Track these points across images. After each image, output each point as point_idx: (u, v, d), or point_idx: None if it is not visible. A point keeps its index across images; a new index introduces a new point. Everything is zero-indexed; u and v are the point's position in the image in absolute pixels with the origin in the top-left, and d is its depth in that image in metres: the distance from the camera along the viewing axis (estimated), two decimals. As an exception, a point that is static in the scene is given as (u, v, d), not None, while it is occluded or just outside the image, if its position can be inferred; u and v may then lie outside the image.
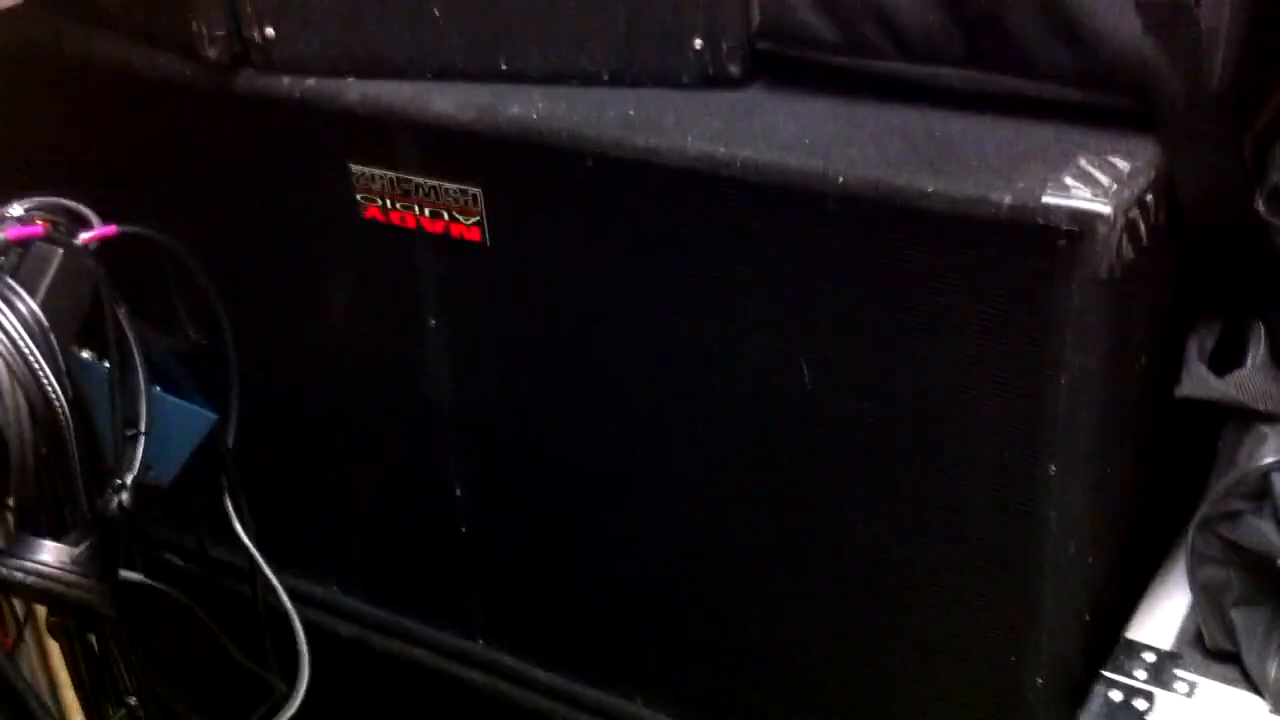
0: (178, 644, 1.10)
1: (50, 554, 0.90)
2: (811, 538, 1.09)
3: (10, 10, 1.27)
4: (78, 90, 1.28)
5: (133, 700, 1.03)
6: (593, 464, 1.19)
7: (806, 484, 1.07)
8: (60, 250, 0.95)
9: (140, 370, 0.98)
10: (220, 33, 1.13)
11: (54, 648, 1.21)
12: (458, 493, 1.28)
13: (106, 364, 0.99)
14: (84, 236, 0.99)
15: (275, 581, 1.14)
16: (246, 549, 1.15)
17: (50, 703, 1.14)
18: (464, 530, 1.30)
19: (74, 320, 0.96)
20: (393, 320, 1.21)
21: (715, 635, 1.21)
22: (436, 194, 1.10)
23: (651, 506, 1.17)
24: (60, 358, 0.91)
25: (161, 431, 1.02)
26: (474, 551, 1.31)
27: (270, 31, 1.12)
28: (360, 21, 1.10)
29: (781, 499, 1.10)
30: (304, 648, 1.11)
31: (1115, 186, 0.88)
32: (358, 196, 1.14)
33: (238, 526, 1.12)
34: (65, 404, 0.91)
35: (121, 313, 0.98)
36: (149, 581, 0.96)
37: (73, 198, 1.06)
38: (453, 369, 1.21)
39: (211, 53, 1.14)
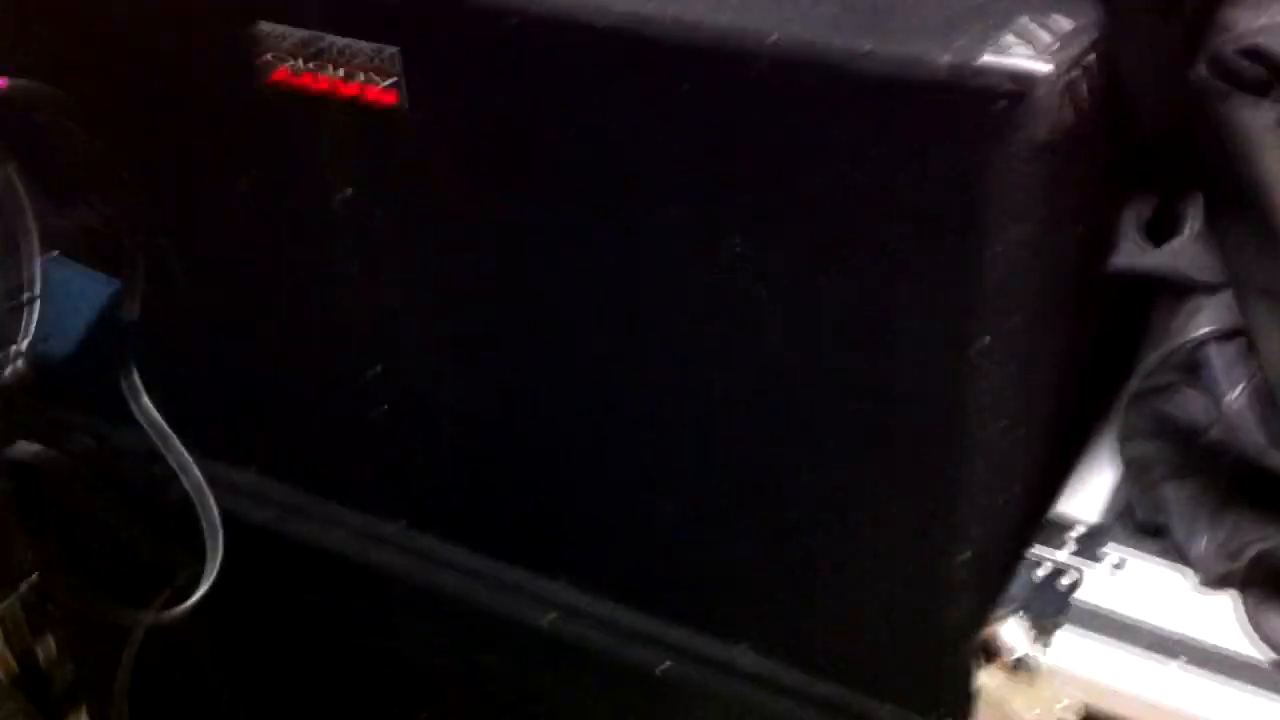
0: (82, 524, 1.06)
1: (-62, 424, 0.86)
2: (740, 420, 1.07)
3: None
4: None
5: (34, 576, 0.99)
6: (511, 341, 1.15)
7: (726, 370, 1.05)
8: (-58, 101, 0.89)
9: (32, 233, 0.93)
10: (116, -122, 1.07)
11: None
12: (376, 369, 1.24)
13: (-4, 228, 0.94)
14: (-31, 89, 0.93)
15: (185, 455, 1.10)
16: (155, 425, 1.10)
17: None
18: (385, 408, 1.26)
19: (-43, 178, 0.91)
20: (303, 190, 1.16)
21: (637, 520, 1.18)
22: (350, 54, 1.05)
23: (572, 385, 1.14)
24: (-59, 216, 0.87)
25: (58, 301, 0.97)
26: (393, 431, 1.27)
27: (170, -124, 1.06)
28: None
29: (700, 386, 1.07)
30: (216, 525, 1.08)
31: (1056, 45, 0.85)
32: (266, 55, 1.09)
33: (141, 399, 1.08)
34: (-51, 266, 0.86)
35: (10, 169, 0.92)
36: (47, 452, 0.92)
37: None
38: (365, 244, 1.16)
39: (107, -101, 1.08)
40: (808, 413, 1.04)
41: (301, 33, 1.06)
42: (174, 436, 1.13)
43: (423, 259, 1.16)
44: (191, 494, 1.12)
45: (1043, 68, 0.83)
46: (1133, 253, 0.98)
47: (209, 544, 1.10)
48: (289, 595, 1.48)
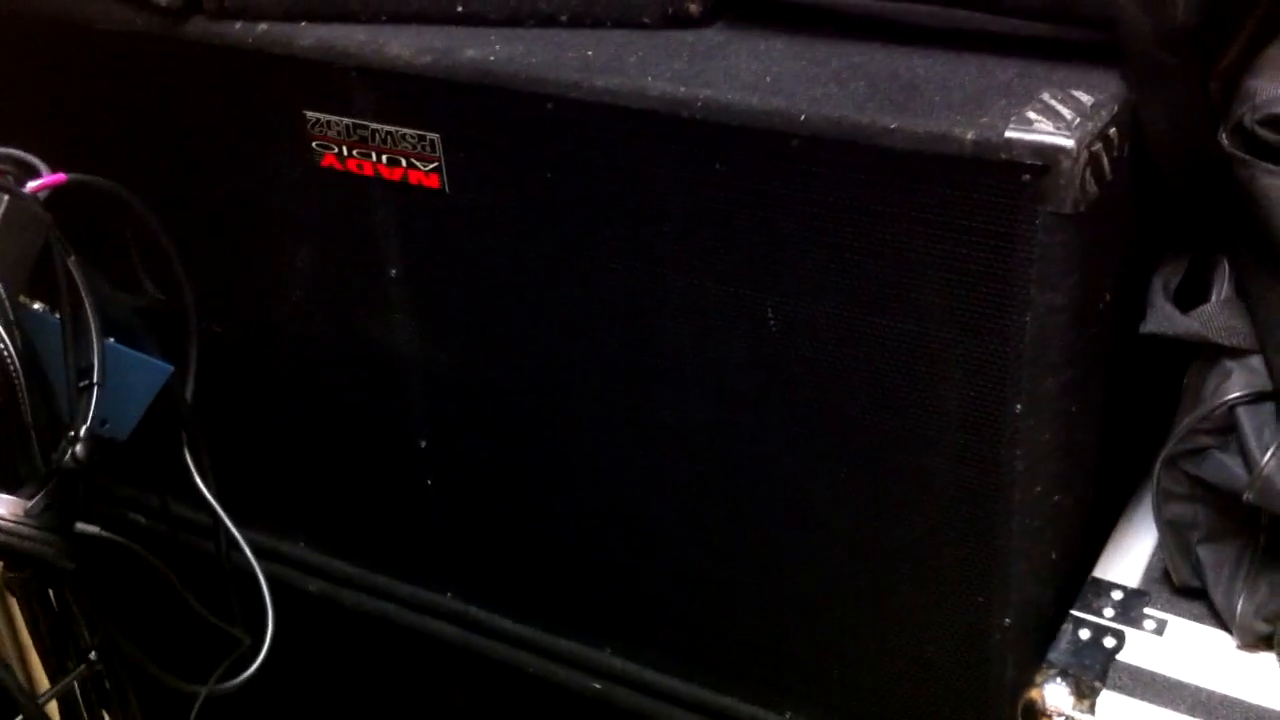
0: (141, 600, 1.09)
1: (3, 507, 0.88)
2: (776, 483, 1.09)
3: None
4: (29, 41, 1.26)
5: (93, 655, 1.02)
6: (558, 414, 1.18)
7: (771, 429, 1.07)
8: (7, 197, 0.93)
9: (93, 321, 0.96)
10: (171, -22, 1.11)
11: (16, 610, 1.20)
12: (422, 445, 1.27)
13: (58, 316, 0.97)
14: (32, 185, 0.97)
15: (237, 534, 1.12)
16: (208, 503, 1.13)
17: (15, 663, 1.13)
18: (430, 482, 1.29)
19: (22, 270, 0.94)
20: (352, 271, 1.20)
21: (680, 584, 1.20)
22: (393, 140, 1.09)
23: (619, 454, 1.17)
24: (9, 308, 0.90)
25: (117, 384, 1.00)
26: (440, 504, 1.30)
27: (221, -25, 1.10)
28: (313, -35, 1.09)
29: (747, 445, 1.09)
30: (269, 600, 1.10)
31: (1078, 120, 0.87)
32: (313, 144, 1.13)
33: (197, 478, 1.11)
34: (15, 355, 0.89)
35: (73, 262, 0.96)
36: (106, 534, 0.94)
37: (26, 150, 1.04)
38: (415, 319, 1.20)
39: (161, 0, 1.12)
40: (848, 477, 1.05)
41: (347, 120, 1.10)
42: (227, 513, 1.16)
43: (469, 334, 1.19)
44: (246, 567, 1.14)
45: (1066, 142, 0.85)
46: (1163, 318, 0.99)
47: (263, 616, 1.13)
48: (342, 664, 1.50)
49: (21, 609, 1.02)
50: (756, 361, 1.04)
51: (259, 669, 1.10)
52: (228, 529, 1.14)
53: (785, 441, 1.07)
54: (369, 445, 1.31)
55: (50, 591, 1.00)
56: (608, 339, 1.11)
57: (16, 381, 0.89)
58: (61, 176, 0.99)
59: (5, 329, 0.88)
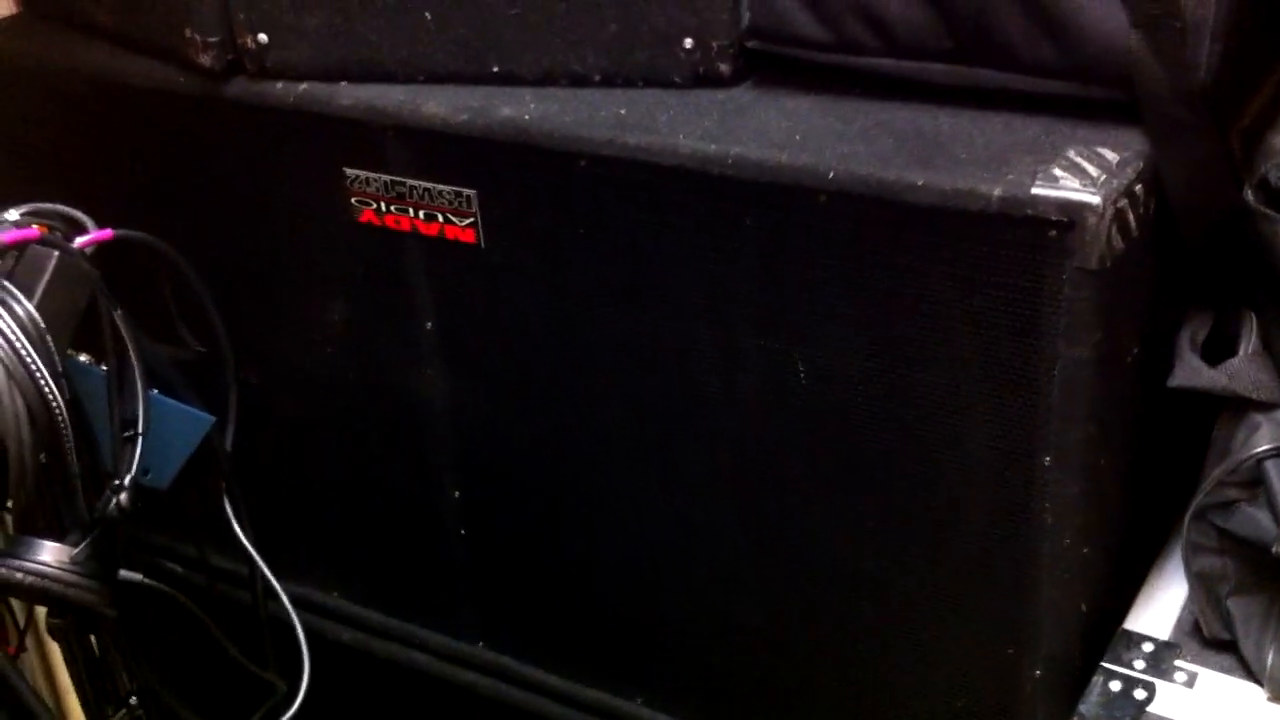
0: (178, 647, 1.11)
1: (49, 554, 0.90)
2: (808, 534, 1.10)
3: (4, 20, 1.27)
4: (72, 100, 1.29)
5: (133, 700, 1.03)
6: (590, 466, 1.19)
7: (803, 480, 1.08)
8: (56, 253, 0.95)
9: (137, 373, 0.98)
10: (213, 39, 1.14)
11: (55, 654, 1.22)
12: (455, 495, 1.28)
13: (103, 368, 1.00)
14: (80, 240, 0.99)
15: (275, 584, 1.14)
16: (246, 552, 1.15)
17: (53, 710, 1.14)
18: (463, 533, 1.30)
19: (70, 323, 0.97)
20: (389, 324, 1.22)
21: (713, 634, 1.21)
22: (430, 196, 1.11)
23: (650, 507, 1.18)
24: (57, 360, 0.92)
25: (159, 434, 1.02)
26: (473, 554, 1.31)
27: (263, 38, 1.12)
28: (352, 27, 1.11)
29: (779, 496, 1.10)
30: (304, 649, 1.11)
31: (1104, 177, 0.88)
32: (352, 200, 1.15)
33: (236, 528, 1.13)
34: (63, 406, 0.91)
35: (118, 316, 0.98)
36: (148, 581, 0.96)
37: (70, 206, 1.06)
38: (449, 372, 1.21)
39: (205, 60, 1.15)
40: (877, 528, 1.06)
41: (385, 177, 1.12)
42: (264, 562, 1.17)
43: (502, 386, 1.20)
44: (283, 616, 1.16)
45: (1092, 199, 0.87)
46: (1191, 372, 0.99)
47: (299, 664, 1.14)
48: (374, 713, 1.50)
49: (63, 655, 1.04)
50: (786, 413, 1.05)
51: (295, 715, 1.11)
52: (265, 577, 1.16)
53: (814, 492, 1.08)
54: (403, 496, 1.33)
55: (91, 638, 1.01)
56: (639, 391, 1.12)
57: (64, 432, 0.91)
58: (108, 233, 1.02)
59: (54, 380, 0.91)
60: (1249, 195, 0.94)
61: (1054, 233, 0.88)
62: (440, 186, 1.10)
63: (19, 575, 0.89)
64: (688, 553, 1.18)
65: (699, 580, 1.19)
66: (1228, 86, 0.94)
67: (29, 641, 1.22)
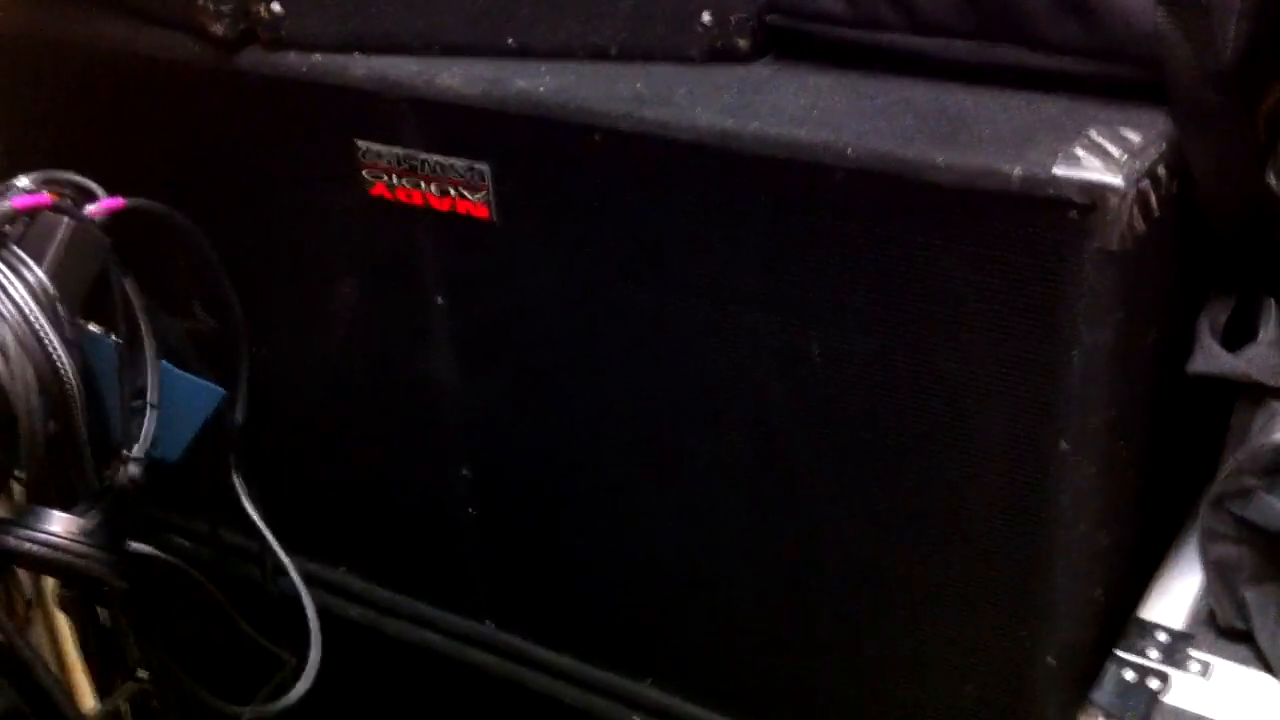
0: (188, 620, 1.10)
1: (59, 524, 0.90)
2: (820, 517, 1.09)
3: (14, -8, 1.27)
4: (84, 71, 1.28)
5: (143, 674, 1.03)
6: (601, 444, 1.18)
7: (816, 463, 1.07)
8: (67, 220, 0.94)
9: (148, 343, 0.98)
10: (226, 9, 1.13)
11: (63, 628, 1.21)
12: (465, 473, 1.27)
13: (114, 338, 0.99)
14: (91, 208, 0.99)
15: (285, 559, 1.13)
16: (255, 528, 1.14)
17: (61, 681, 1.14)
18: (472, 511, 1.29)
19: (81, 291, 0.96)
20: (400, 299, 1.21)
21: (719, 618, 1.20)
22: (443, 170, 1.10)
23: (659, 487, 1.17)
24: (68, 327, 0.91)
25: (169, 406, 1.02)
26: (482, 532, 1.31)
27: (276, 7, 1.12)
28: (367, -3, 1.10)
29: (791, 478, 1.09)
30: (314, 624, 1.11)
31: (1126, 158, 0.87)
32: (364, 173, 1.14)
33: (246, 503, 1.12)
34: (73, 375, 0.91)
35: (129, 285, 0.98)
36: (158, 553, 0.96)
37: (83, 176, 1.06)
38: (460, 348, 1.21)
39: (218, 30, 1.14)
40: (889, 513, 1.05)
41: (397, 150, 1.12)
42: (274, 537, 1.17)
43: (513, 364, 1.20)
44: (291, 592, 1.15)
45: (1114, 180, 0.86)
46: (1210, 358, 0.98)
47: (308, 640, 1.14)
48: (382, 690, 1.51)
49: (72, 627, 1.04)
50: (799, 395, 1.04)
51: (304, 692, 1.11)
52: (274, 552, 1.15)
53: (826, 477, 1.07)
54: (412, 474, 1.32)
55: (100, 609, 1.01)
56: (651, 369, 1.11)
57: (74, 402, 0.91)
58: (120, 201, 1.01)
59: (65, 348, 0.90)
60: (1272, 180, 0.93)
61: (1075, 214, 0.86)
62: (453, 160, 1.09)
63: (28, 545, 0.89)
64: (695, 536, 1.17)
65: (710, 560, 1.18)
66: (1253, 68, 0.92)
67: (36, 614, 1.22)
